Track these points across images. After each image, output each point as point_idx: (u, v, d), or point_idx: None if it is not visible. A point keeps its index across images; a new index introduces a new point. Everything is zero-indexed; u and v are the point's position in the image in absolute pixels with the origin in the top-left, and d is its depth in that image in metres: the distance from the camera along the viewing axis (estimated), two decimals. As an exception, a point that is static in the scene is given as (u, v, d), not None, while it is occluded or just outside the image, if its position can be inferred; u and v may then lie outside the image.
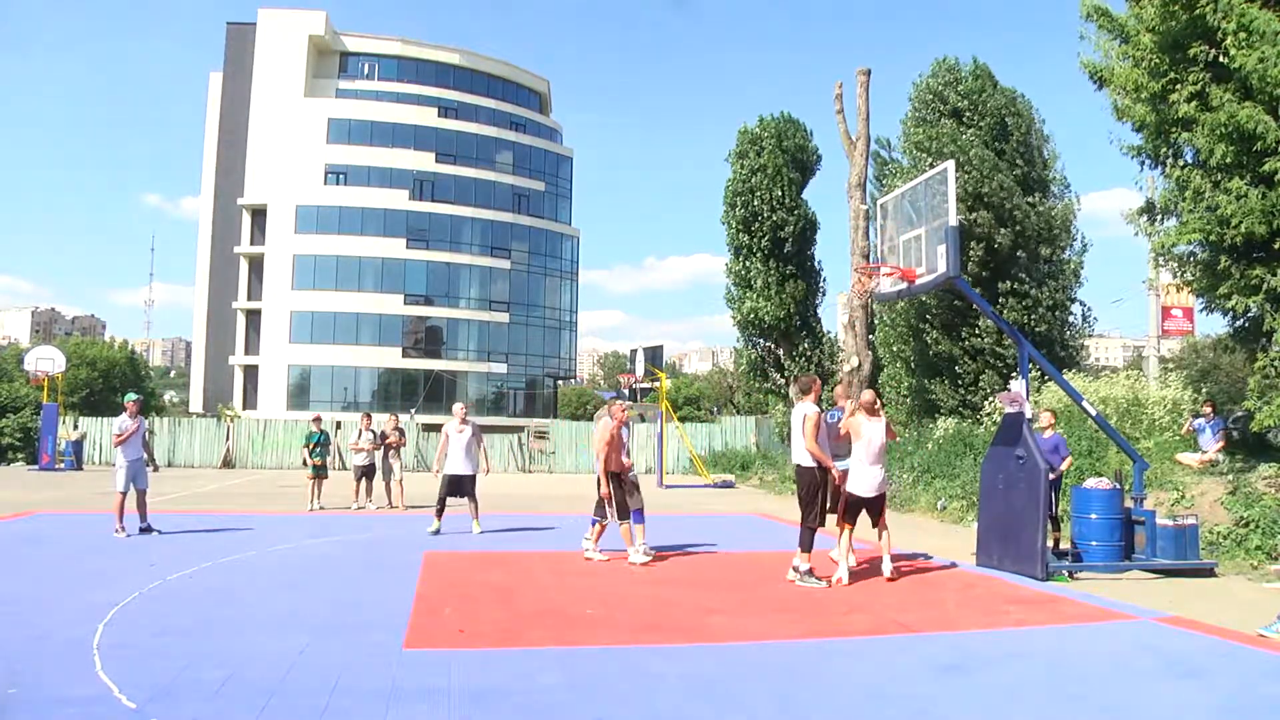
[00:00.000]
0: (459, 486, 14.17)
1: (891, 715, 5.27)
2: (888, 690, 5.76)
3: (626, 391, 29.49)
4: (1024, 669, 6.30)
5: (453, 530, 13.83)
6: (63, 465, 30.68)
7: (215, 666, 5.96)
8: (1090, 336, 25.29)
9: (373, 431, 18.66)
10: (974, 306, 20.68)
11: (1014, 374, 19.20)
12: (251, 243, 65.21)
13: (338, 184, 64.62)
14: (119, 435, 13.19)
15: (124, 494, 12.93)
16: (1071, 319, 23.49)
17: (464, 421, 14.28)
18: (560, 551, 11.64)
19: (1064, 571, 10.26)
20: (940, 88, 24.35)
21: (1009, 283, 22.15)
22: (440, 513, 14.05)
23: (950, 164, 10.54)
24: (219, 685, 5.56)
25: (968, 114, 23.61)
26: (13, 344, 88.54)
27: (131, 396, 13.80)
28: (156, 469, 14.01)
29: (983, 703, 5.51)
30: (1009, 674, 6.17)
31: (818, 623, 7.86)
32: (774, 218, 28.91)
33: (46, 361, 33.20)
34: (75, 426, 33.73)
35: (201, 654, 6.31)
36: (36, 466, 30.75)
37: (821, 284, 30.92)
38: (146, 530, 13.05)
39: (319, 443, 18.22)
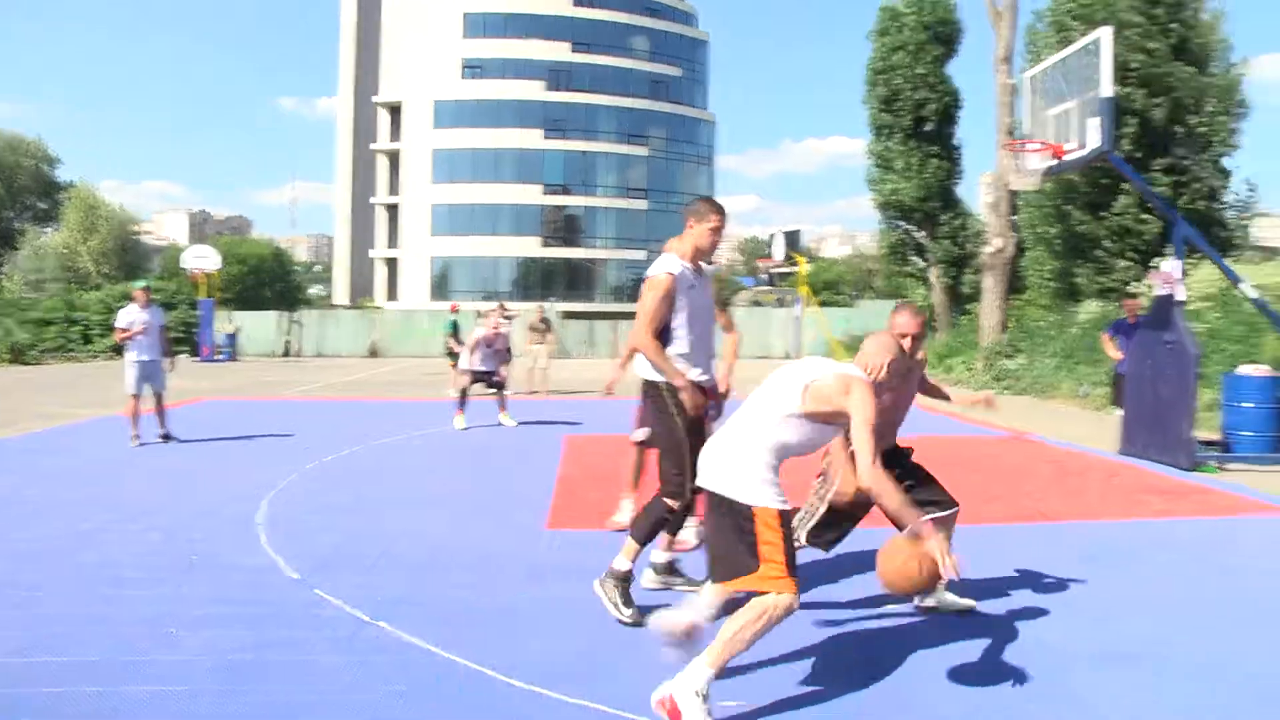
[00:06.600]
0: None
1: (1042, 601, 5.19)
2: (1033, 579, 5.63)
3: (765, 276, 29.17)
4: (1168, 560, 6.14)
5: (585, 416, 14.13)
6: (220, 357, 32.51)
7: (369, 542, 6.31)
8: (1250, 216, 23.49)
9: (507, 318, 19.05)
10: (1121, 184, 19.68)
11: (1159, 255, 18.26)
12: (391, 139, 66.41)
13: (474, 78, 64.98)
14: (124, 331, 10.82)
15: (135, 396, 10.82)
16: (1232, 196, 21.93)
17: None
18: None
19: (1212, 462, 9.90)
20: None
21: (1166, 158, 20.75)
22: None
23: (1106, 30, 9.96)
24: (374, 560, 5.90)
25: None
26: (171, 244, 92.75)
27: (139, 284, 11.62)
28: (174, 366, 11.56)
29: (1127, 591, 5.40)
30: (1152, 564, 6.03)
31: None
32: (916, 96, 27.82)
33: (203, 260, 35.18)
34: (230, 320, 35.58)
35: (356, 530, 6.69)
36: (198, 358, 32.58)
37: (962, 163, 29.82)
38: (166, 439, 11.08)
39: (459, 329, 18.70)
